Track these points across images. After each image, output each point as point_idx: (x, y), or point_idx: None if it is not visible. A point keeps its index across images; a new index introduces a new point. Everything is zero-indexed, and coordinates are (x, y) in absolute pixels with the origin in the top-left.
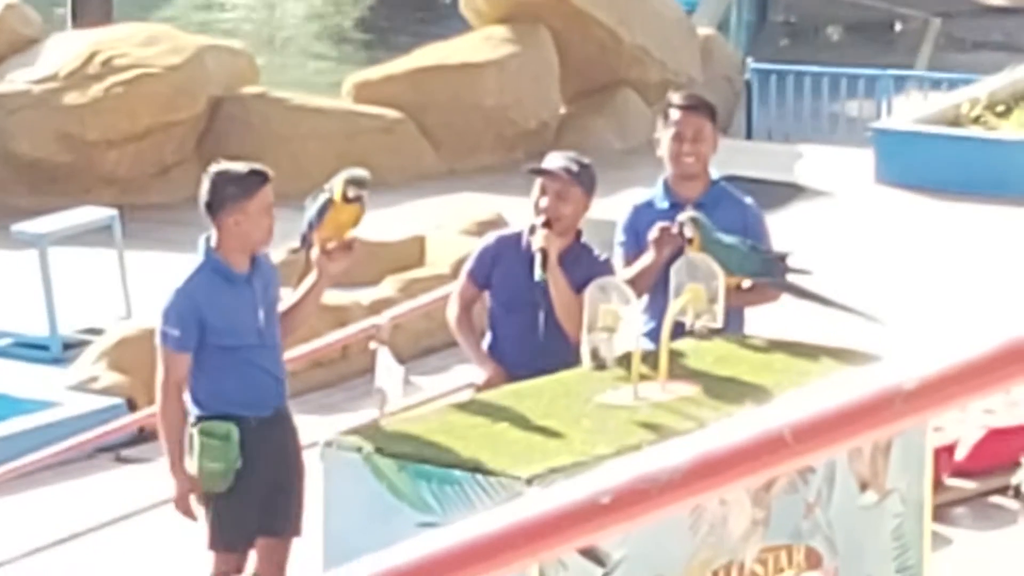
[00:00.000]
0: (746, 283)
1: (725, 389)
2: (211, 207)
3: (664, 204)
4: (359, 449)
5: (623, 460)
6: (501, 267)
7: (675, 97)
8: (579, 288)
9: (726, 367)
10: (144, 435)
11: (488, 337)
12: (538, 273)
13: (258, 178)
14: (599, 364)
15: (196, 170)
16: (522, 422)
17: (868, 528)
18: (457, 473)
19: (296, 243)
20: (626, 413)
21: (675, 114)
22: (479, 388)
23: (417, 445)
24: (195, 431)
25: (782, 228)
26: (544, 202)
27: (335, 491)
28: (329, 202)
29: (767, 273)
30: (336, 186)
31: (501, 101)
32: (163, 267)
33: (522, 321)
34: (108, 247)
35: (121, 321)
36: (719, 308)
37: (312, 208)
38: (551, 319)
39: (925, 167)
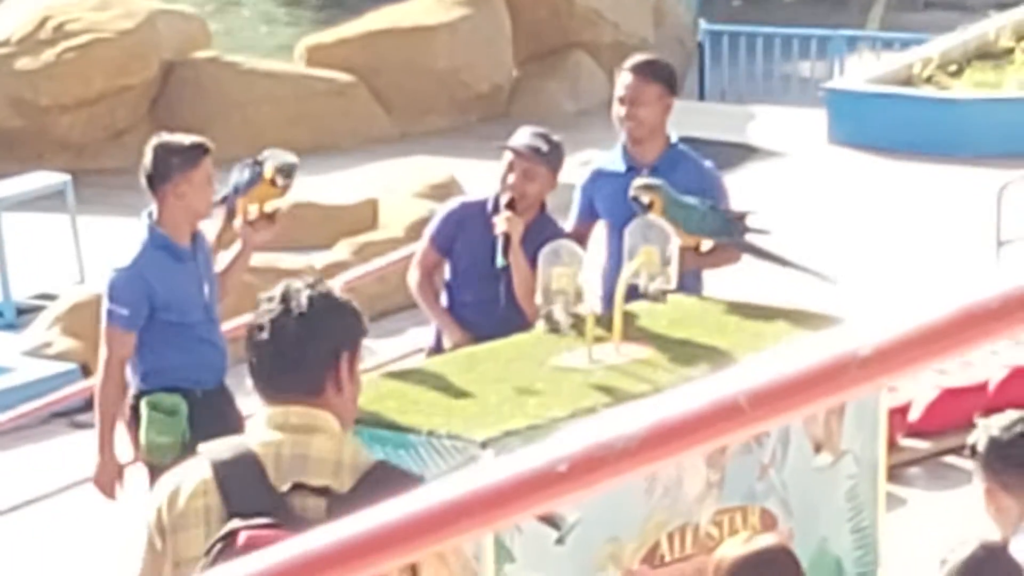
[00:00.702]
0: (706, 245)
1: (680, 351)
2: (154, 179)
3: (620, 167)
4: None
5: (578, 427)
6: (464, 235)
7: (626, 61)
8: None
9: (680, 329)
10: None
11: (445, 302)
12: (500, 259)
13: (200, 149)
14: (553, 327)
15: (149, 135)
16: (476, 385)
17: (822, 489)
18: (411, 437)
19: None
20: (580, 376)
21: (621, 77)
22: (439, 352)
23: (371, 409)
24: (142, 404)
25: (736, 189)
26: (511, 179)
27: None
28: (258, 176)
29: (727, 233)
30: (267, 167)
31: (453, 64)
32: (116, 232)
33: (482, 290)
34: (61, 212)
35: (75, 286)
36: (673, 270)
37: (241, 177)
38: (511, 291)
39: (878, 127)
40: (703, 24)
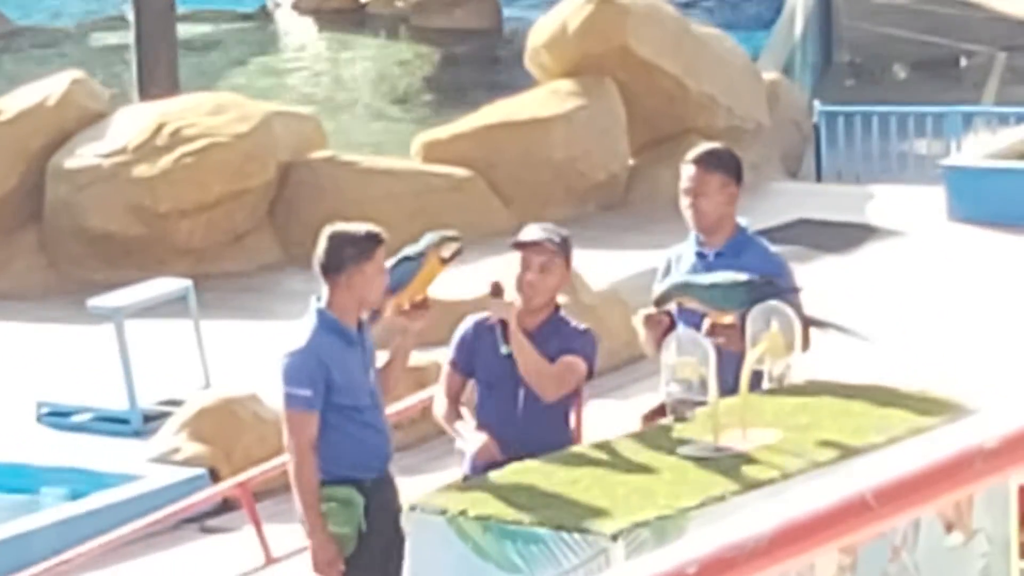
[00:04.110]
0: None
1: (807, 436)
2: (327, 268)
3: (691, 255)
4: (443, 512)
5: (708, 529)
6: (480, 350)
7: (691, 151)
8: (553, 359)
9: (806, 413)
10: (228, 505)
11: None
12: (504, 347)
13: (374, 240)
14: (679, 416)
15: (269, 237)
16: (604, 477)
17: (955, 569)
18: (542, 531)
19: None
20: (708, 464)
21: (684, 168)
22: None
23: (500, 505)
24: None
25: (856, 270)
26: (529, 276)
27: (420, 554)
28: (419, 264)
29: (759, 300)
30: (427, 246)
31: (570, 154)
32: (240, 336)
33: (501, 400)
34: (184, 318)
35: (200, 391)
36: (797, 355)
37: (396, 275)
38: (530, 397)
39: (997, 202)
40: (818, 105)
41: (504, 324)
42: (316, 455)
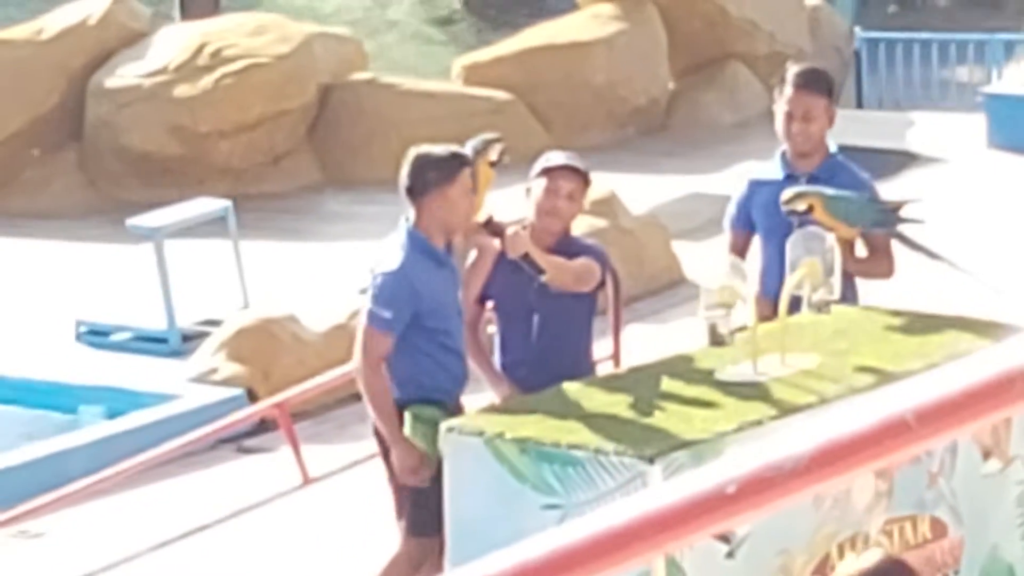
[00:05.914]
0: (861, 252)
1: (845, 362)
2: (412, 191)
3: (779, 175)
4: (480, 433)
5: (747, 448)
6: (494, 278)
7: (790, 72)
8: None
9: (845, 339)
10: (265, 425)
11: (496, 352)
12: (541, 278)
13: (458, 162)
14: (717, 341)
15: (308, 158)
16: (642, 401)
17: (992, 496)
18: (579, 454)
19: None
20: (746, 389)
21: (787, 91)
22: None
23: (538, 427)
24: (405, 414)
25: (896, 196)
26: (560, 203)
27: (457, 476)
28: (474, 171)
29: (883, 223)
30: (473, 154)
31: (610, 79)
32: (278, 256)
33: (517, 327)
34: (223, 238)
35: (239, 311)
36: (836, 280)
37: None
38: (546, 324)
39: None
40: (859, 32)
41: (526, 257)
42: (383, 369)
